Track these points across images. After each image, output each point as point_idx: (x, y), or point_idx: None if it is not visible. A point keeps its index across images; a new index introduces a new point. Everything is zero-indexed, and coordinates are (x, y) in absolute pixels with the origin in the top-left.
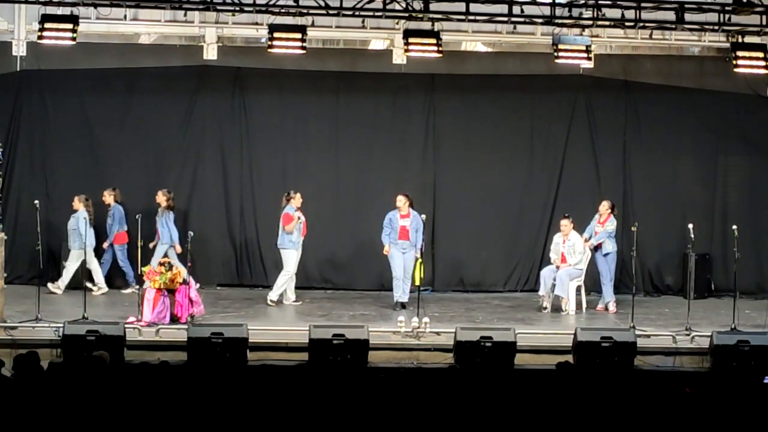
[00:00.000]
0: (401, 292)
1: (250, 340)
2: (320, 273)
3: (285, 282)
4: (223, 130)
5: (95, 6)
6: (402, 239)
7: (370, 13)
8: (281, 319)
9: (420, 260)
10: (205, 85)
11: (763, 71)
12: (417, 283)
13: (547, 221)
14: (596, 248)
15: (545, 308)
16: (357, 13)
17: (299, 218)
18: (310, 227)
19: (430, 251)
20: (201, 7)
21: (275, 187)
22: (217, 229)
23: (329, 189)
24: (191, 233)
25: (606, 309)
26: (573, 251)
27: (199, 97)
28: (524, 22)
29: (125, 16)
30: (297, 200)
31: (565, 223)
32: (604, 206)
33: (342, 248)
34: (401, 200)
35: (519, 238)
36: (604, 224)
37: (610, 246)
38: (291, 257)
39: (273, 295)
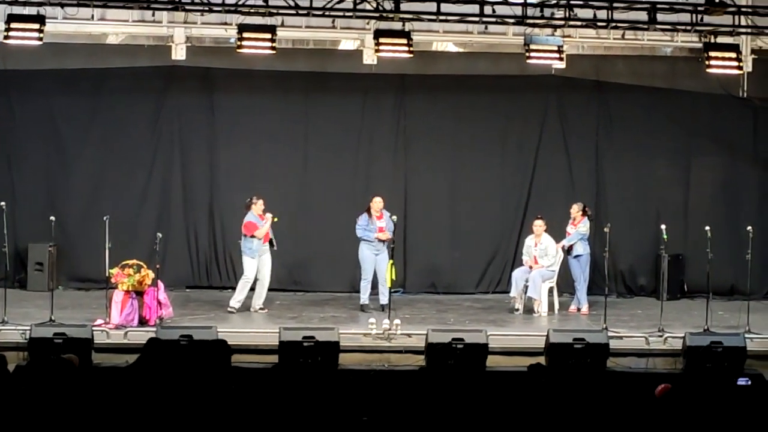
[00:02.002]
0: (368, 294)
1: None
2: (290, 275)
3: (241, 288)
4: (191, 130)
5: (62, 6)
6: (378, 239)
7: (341, 13)
8: (251, 322)
9: (391, 262)
10: (173, 86)
11: (735, 71)
12: (388, 284)
13: (519, 222)
14: (568, 250)
15: (517, 310)
16: (327, 13)
17: (274, 219)
18: (279, 228)
19: (402, 253)
20: (169, 7)
21: (244, 189)
22: (186, 231)
23: (298, 190)
24: (159, 235)
25: (578, 310)
26: (545, 254)
27: (167, 98)
28: (496, 22)
29: (92, 16)
30: (259, 207)
31: (539, 224)
32: (575, 209)
33: (312, 250)
34: (379, 202)
35: (491, 239)
36: (577, 226)
37: (581, 248)
38: (249, 264)
39: (233, 301)
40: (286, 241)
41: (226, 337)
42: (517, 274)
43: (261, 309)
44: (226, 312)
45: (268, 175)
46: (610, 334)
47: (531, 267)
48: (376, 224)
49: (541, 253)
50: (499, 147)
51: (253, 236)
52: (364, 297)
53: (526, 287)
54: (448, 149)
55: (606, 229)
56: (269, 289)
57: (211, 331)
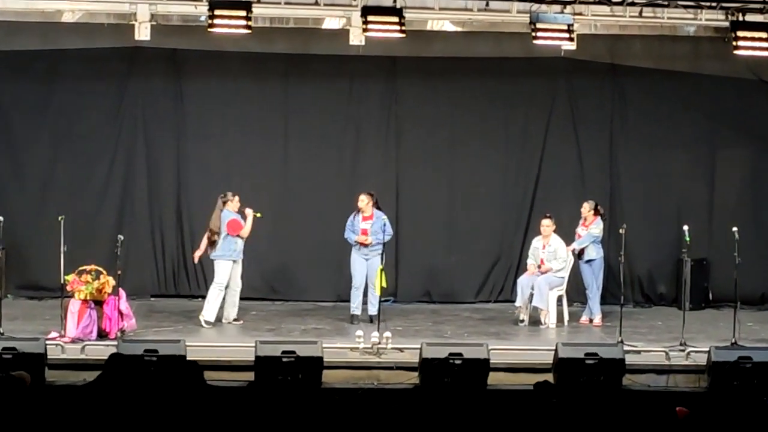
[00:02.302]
0: (358, 302)
1: (188, 358)
2: (267, 283)
3: (216, 297)
4: (157, 119)
5: None
6: (366, 245)
7: None
8: (223, 335)
9: (381, 267)
10: (136, 69)
11: (765, 53)
12: (378, 293)
13: (524, 223)
14: (579, 254)
15: (522, 321)
16: None
17: (256, 214)
18: (255, 230)
19: (393, 257)
20: None
21: (216, 185)
22: (151, 232)
23: (277, 187)
24: (121, 237)
25: (591, 322)
26: (554, 257)
27: (130, 83)
28: None
29: None
30: (235, 204)
31: (547, 224)
32: (586, 208)
33: (291, 254)
34: (363, 200)
35: (493, 242)
36: (588, 227)
37: (593, 252)
38: (224, 269)
39: (207, 313)
40: (263, 244)
41: (197, 351)
42: (523, 281)
43: (235, 320)
44: (195, 324)
45: (243, 169)
46: (626, 348)
47: (538, 270)
48: (359, 226)
49: (550, 257)
50: (502, 138)
51: (237, 236)
52: (354, 306)
53: (532, 296)
54: (444, 141)
55: (621, 231)
56: (243, 298)
57: (179, 346)
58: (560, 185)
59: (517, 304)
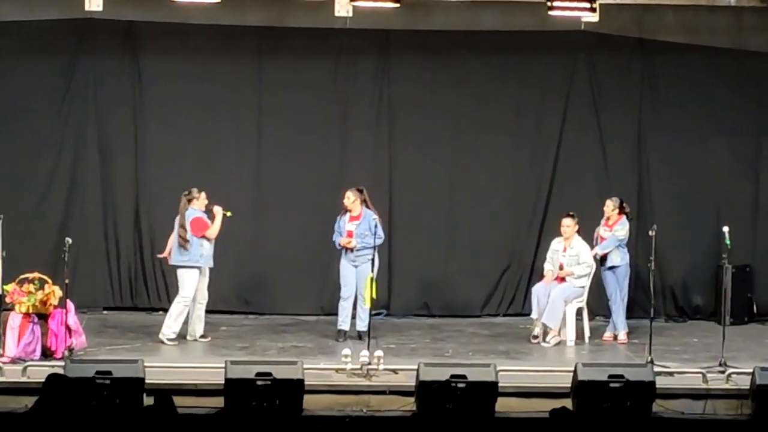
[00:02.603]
0: (346, 316)
1: (147, 381)
2: (239, 294)
3: (180, 312)
4: (111, 103)
5: None
6: (352, 250)
7: None
8: (188, 354)
9: (371, 276)
10: (87, 45)
11: None
12: (368, 305)
13: (538, 223)
14: (601, 260)
15: (537, 337)
16: None
17: (226, 213)
18: (225, 231)
19: (385, 263)
20: None
21: (180, 178)
22: (104, 235)
23: (250, 181)
24: (69, 240)
25: (615, 338)
26: (577, 262)
27: (79, 60)
28: None
29: None
30: (201, 202)
31: (568, 224)
32: (610, 206)
33: (268, 260)
34: (350, 197)
35: (502, 245)
36: (613, 228)
37: (617, 257)
38: (190, 279)
39: (167, 330)
40: (234, 248)
41: (157, 373)
42: (539, 290)
43: (202, 337)
44: (156, 341)
45: (210, 160)
46: (657, 369)
47: (557, 276)
48: (345, 227)
49: (572, 261)
50: (512, 125)
51: (203, 237)
52: (341, 320)
53: None
54: (445, 129)
55: (651, 232)
56: (210, 311)
57: (136, 367)
58: (580, 180)
59: (533, 316)
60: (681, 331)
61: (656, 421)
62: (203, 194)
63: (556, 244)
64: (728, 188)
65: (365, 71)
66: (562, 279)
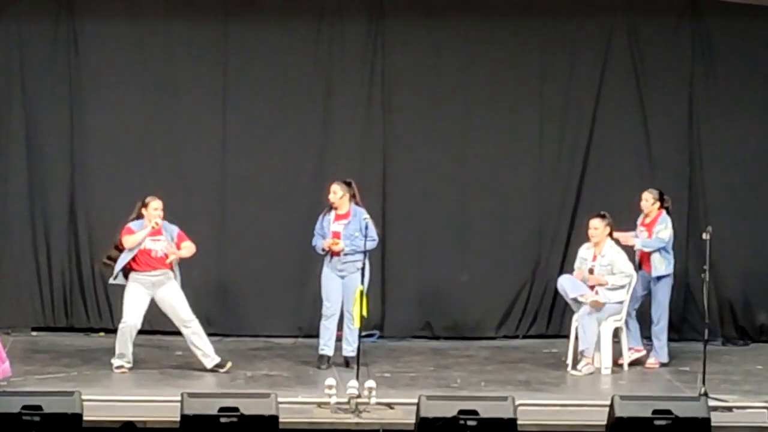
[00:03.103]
0: (329, 338)
1: (85, 418)
2: (202, 312)
3: (121, 337)
4: (41, 78)
5: None
6: (336, 254)
7: None
8: (135, 384)
9: (361, 288)
10: (10, 7)
11: None
12: (357, 324)
13: (566, 223)
14: (639, 267)
15: (567, 364)
16: None
17: (155, 224)
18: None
19: (379, 275)
20: None
21: (123, 170)
22: (33, 243)
23: (211, 173)
24: None
25: (660, 365)
26: (611, 272)
27: (0, 27)
28: None
29: None
30: (152, 210)
31: (597, 225)
32: (648, 200)
33: (235, 272)
34: (337, 192)
35: (522, 252)
36: (653, 227)
37: (662, 264)
38: (129, 298)
39: (116, 358)
40: (196, 260)
41: (96, 408)
42: (565, 283)
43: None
44: (94, 368)
45: (163, 148)
46: (713, 402)
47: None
48: (330, 227)
49: (605, 272)
50: (535, 103)
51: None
52: (323, 343)
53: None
54: (452, 107)
55: (705, 236)
56: (163, 333)
57: (71, 400)
58: (617, 170)
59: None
60: (742, 357)
61: None
62: (158, 202)
63: (584, 251)
64: None
65: (354, 37)
66: (593, 289)
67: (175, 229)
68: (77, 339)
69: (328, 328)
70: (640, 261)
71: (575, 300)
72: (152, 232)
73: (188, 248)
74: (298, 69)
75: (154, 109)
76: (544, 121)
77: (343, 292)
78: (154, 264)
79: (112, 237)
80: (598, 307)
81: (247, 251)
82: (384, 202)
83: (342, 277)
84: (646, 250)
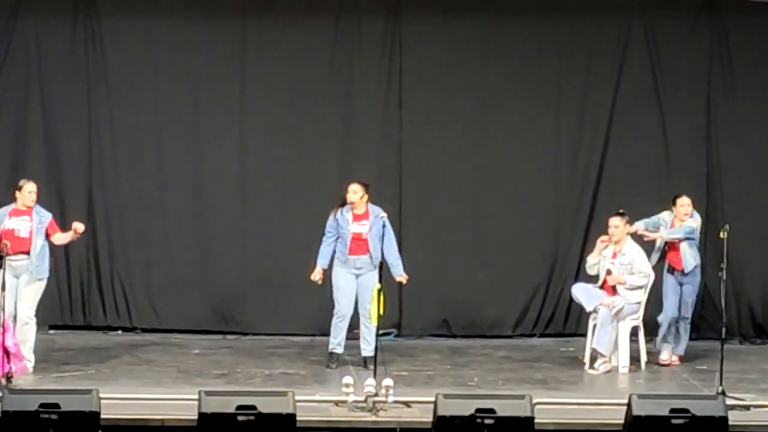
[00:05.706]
0: (342, 337)
1: (103, 416)
2: (216, 311)
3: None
4: (60, 74)
5: None
6: (355, 254)
7: None
8: (155, 382)
9: (378, 287)
10: (29, 5)
11: None
12: (374, 323)
13: (584, 222)
14: (671, 270)
15: (584, 363)
16: None
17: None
18: (199, 234)
19: None
20: None
21: (143, 171)
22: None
23: (230, 172)
24: (7, 243)
25: (679, 361)
26: (631, 271)
27: (19, 24)
28: None
29: None
30: (25, 195)
31: (617, 224)
32: (685, 206)
33: (251, 271)
34: (356, 192)
35: (539, 250)
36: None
37: (692, 257)
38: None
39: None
40: (210, 258)
41: (114, 406)
42: (579, 294)
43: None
44: (112, 366)
45: (181, 147)
46: (730, 401)
47: (604, 283)
48: (350, 228)
49: (624, 271)
50: (552, 101)
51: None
52: (335, 342)
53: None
54: (470, 105)
55: (722, 234)
56: (181, 331)
57: (89, 398)
58: (635, 170)
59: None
60: (760, 356)
61: None
62: (32, 185)
63: (603, 249)
64: None
65: (371, 34)
66: (612, 289)
67: (47, 217)
68: (95, 337)
69: (341, 328)
70: (670, 263)
71: (594, 311)
72: (19, 212)
73: (59, 238)
74: (316, 67)
75: (172, 107)
76: (562, 120)
77: (357, 290)
78: (15, 246)
79: (132, 236)
80: (617, 313)
81: (266, 249)
82: (401, 201)
83: (357, 276)
84: (675, 237)
